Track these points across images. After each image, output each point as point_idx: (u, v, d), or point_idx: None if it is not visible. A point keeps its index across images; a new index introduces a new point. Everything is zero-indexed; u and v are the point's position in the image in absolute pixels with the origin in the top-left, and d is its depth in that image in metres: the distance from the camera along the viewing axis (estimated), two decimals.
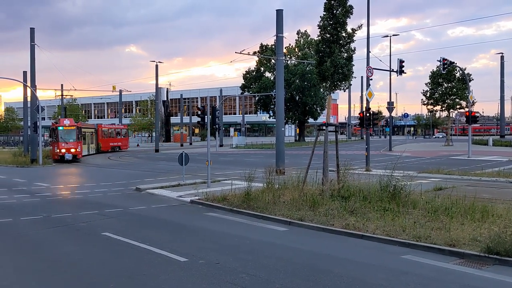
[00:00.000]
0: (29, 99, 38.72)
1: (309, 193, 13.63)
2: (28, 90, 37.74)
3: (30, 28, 36.22)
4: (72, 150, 36.94)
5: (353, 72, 16.94)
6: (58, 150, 36.71)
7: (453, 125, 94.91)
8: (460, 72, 46.23)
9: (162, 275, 7.75)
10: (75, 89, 55.42)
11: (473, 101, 42.11)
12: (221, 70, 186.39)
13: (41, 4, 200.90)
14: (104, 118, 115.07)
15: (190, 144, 72.96)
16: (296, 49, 70.67)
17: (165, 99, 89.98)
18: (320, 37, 16.79)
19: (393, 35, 49.17)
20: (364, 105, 27.91)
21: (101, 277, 7.75)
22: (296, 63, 64.75)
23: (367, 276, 7.62)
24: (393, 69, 36.07)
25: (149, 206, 15.02)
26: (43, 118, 40.92)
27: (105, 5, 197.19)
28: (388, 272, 7.85)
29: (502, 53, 59.87)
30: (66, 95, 67.12)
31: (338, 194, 13.32)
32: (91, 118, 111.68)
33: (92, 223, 12.44)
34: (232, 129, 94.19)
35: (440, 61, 34.68)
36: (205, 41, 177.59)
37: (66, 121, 39.39)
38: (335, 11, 16.33)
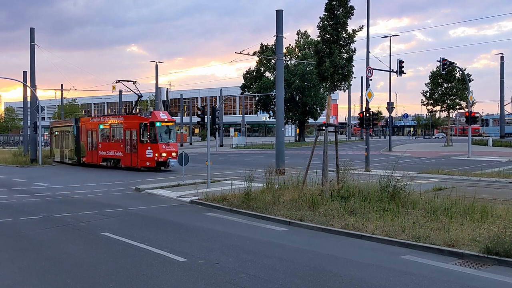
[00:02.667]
0: (29, 99, 38.73)
1: (309, 193, 13.63)
2: (28, 90, 37.78)
3: (30, 28, 36.39)
4: (174, 154, 26.99)
5: (353, 73, 17.03)
6: (155, 154, 26.68)
7: (453, 125, 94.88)
8: (460, 72, 46.21)
9: (161, 275, 7.75)
10: (75, 89, 55.62)
11: (473, 101, 42.09)
12: (222, 70, 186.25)
13: (42, 4, 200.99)
14: None
15: (190, 144, 72.98)
16: (296, 49, 70.70)
17: (165, 99, 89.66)
18: (320, 38, 16.84)
19: (393, 35, 49.21)
20: (364, 105, 27.90)
21: (100, 277, 7.75)
22: (296, 63, 64.78)
23: (367, 276, 7.63)
24: (393, 70, 36.06)
25: (149, 206, 15.03)
26: (43, 118, 40.84)
27: (107, 4, 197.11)
28: (388, 272, 7.85)
29: (502, 54, 59.78)
30: (65, 92, 66.96)
31: (337, 194, 13.33)
32: None
33: (92, 223, 12.45)
34: (232, 129, 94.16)
35: (440, 61, 34.70)
36: (207, 41, 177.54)
37: (163, 115, 28.35)
38: (335, 12, 16.39)
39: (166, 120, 27.94)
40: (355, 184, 13.99)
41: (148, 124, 27.25)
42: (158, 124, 27.24)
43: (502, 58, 58.15)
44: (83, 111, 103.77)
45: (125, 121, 29.52)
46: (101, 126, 31.42)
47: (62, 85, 68.51)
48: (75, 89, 54.77)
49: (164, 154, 26.90)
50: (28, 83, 37.03)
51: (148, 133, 27.19)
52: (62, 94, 66.90)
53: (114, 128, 30.33)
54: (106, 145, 30.54)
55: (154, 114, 27.99)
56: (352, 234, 10.33)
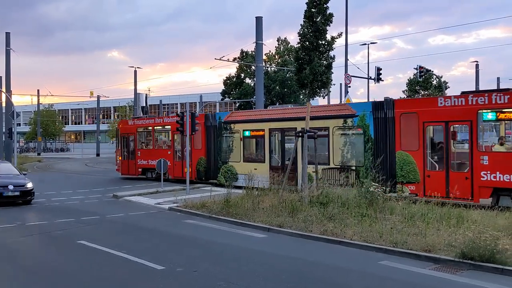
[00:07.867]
0: (4, 104, 37.99)
1: (288, 200, 13.67)
2: (3, 96, 37.04)
3: (6, 32, 36.10)
4: None
5: (331, 80, 17.17)
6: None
7: None
8: (437, 79, 47.09)
9: (139, 284, 7.65)
10: (51, 95, 55.07)
11: None
12: (204, 76, 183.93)
13: (24, 8, 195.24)
14: (81, 124, 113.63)
15: None
16: (276, 56, 71.06)
17: (144, 104, 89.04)
18: (300, 45, 16.98)
19: (371, 43, 49.44)
20: None
21: (78, 287, 7.62)
22: (276, 69, 65.12)
23: (346, 282, 7.67)
24: (371, 77, 36.52)
25: (127, 214, 14.83)
26: (19, 124, 40.07)
27: (90, 9, 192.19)
28: (366, 277, 7.91)
29: (477, 62, 61.06)
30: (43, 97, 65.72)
31: (317, 201, 13.38)
32: (68, 124, 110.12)
33: (68, 231, 12.23)
34: None
35: (416, 68, 35.29)
36: (190, 46, 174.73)
37: None
38: (315, 19, 16.56)
39: None
40: (334, 191, 14.08)
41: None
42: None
43: (477, 66, 59.37)
44: (60, 117, 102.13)
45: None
46: (487, 115, 13.71)
47: (38, 90, 67.06)
48: (51, 95, 54.43)
49: None
50: (4, 89, 36.33)
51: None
52: (38, 100, 65.52)
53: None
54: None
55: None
56: (331, 240, 10.37)
